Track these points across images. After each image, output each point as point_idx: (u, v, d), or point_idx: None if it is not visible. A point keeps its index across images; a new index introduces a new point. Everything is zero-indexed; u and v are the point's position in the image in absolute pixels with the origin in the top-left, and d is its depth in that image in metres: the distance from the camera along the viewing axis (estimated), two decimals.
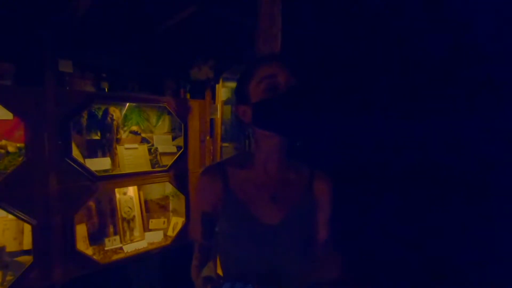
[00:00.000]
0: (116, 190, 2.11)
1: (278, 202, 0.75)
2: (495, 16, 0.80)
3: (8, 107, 1.49)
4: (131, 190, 2.21)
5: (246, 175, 0.78)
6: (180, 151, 2.21)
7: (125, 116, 2.23)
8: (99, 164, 1.95)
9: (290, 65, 0.71)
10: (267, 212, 0.73)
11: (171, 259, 2.13)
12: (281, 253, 0.72)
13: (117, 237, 2.07)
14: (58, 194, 1.62)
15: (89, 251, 1.90)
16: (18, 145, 1.72)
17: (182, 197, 2.25)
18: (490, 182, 0.84)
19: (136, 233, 2.16)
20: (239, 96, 0.77)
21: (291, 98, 0.67)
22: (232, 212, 0.76)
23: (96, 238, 2.02)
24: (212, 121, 2.33)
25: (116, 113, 2.09)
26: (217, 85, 2.29)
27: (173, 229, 2.28)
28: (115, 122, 2.07)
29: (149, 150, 2.27)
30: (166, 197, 2.46)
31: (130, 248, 2.04)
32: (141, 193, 2.28)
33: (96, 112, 2.06)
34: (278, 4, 0.91)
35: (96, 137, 2.06)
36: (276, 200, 0.75)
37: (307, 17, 0.99)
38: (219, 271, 0.81)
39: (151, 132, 2.39)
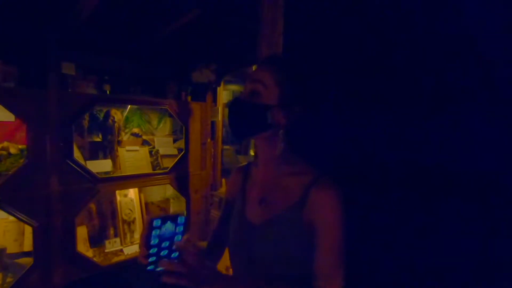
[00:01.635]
0: (117, 192, 2.11)
1: (264, 205, 0.75)
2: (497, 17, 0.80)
3: (10, 109, 1.50)
4: (132, 192, 2.21)
5: (255, 175, 0.83)
6: (181, 154, 2.22)
7: (127, 118, 2.24)
8: (100, 166, 1.95)
9: (265, 71, 0.71)
10: (253, 212, 0.77)
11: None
12: (258, 254, 0.73)
13: (118, 239, 2.07)
14: (59, 196, 1.63)
15: (89, 253, 1.90)
16: (20, 146, 1.73)
17: (183, 199, 2.26)
18: (489, 183, 0.84)
19: (137, 235, 2.16)
20: None
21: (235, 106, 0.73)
22: (236, 204, 0.84)
23: (96, 240, 2.02)
24: (213, 123, 2.33)
25: (118, 115, 2.10)
26: (218, 88, 2.29)
27: None
28: (116, 124, 2.08)
29: (150, 152, 2.27)
30: (167, 200, 2.46)
31: (130, 250, 2.04)
32: (142, 195, 2.28)
33: (97, 114, 2.07)
34: (280, 10, 0.92)
35: (98, 139, 2.07)
36: (262, 203, 0.75)
37: (308, 22, 1.00)
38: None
39: (153, 134, 2.39)
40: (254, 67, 0.78)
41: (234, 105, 0.73)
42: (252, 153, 2.25)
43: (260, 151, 0.78)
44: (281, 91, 0.69)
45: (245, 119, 0.71)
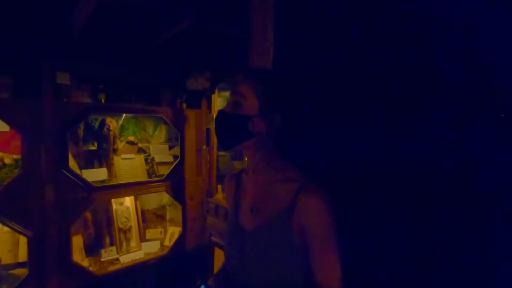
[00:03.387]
0: (113, 200, 2.11)
1: (256, 212, 0.77)
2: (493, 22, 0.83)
3: (5, 119, 1.50)
4: (128, 200, 2.21)
5: (246, 182, 0.86)
6: (177, 161, 2.23)
7: (122, 126, 2.25)
8: (95, 174, 1.95)
9: (248, 84, 0.74)
10: (245, 219, 0.79)
11: (168, 269, 2.12)
12: (249, 259, 0.75)
13: (114, 248, 2.05)
14: (54, 205, 1.62)
15: (85, 262, 1.89)
16: (14, 156, 1.73)
17: (179, 206, 2.26)
18: (484, 185, 0.85)
19: (133, 243, 2.15)
20: None
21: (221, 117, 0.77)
22: (230, 211, 0.87)
23: (92, 249, 2.01)
24: (208, 130, 2.35)
25: (113, 123, 2.11)
26: (213, 95, 2.32)
27: (170, 239, 2.28)
28: (111, 133, 2.09)
29: (146, 160, 2.28)
30: (163, 207, 2.46)
31: (126, 258, 2.03)
32: (138, 203, 2.28)
33: (93, 123, 2.08)
34: (270, 20, 0.95)
35: (93, 147, 2.07)
36: (253, 210, 0.77)
37: (298, 32, 1.03)
38: None
39: (148, 142, 2.40)
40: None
41: (219, 117, 0.78)
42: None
43: (249, 159, 0.82)
44: (260, 101, 0.73)
45: (229, 130, 0.77)
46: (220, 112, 0.78)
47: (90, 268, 1.84)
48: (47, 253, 1.60)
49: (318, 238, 0.70)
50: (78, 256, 1.86)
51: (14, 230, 1.53)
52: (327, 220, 0.69)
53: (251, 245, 0.75)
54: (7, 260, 1.69)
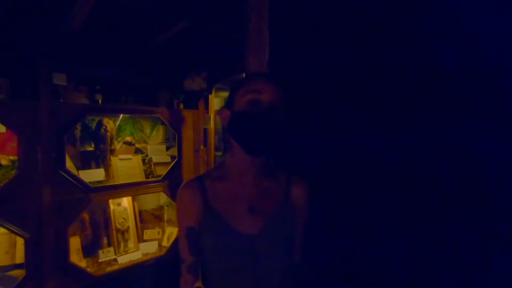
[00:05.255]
0: (110, 201, 2.10)
1: (256, 213, 0.75)
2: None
3: (2, 120, 1.50)
4: (125, 201, 2.20)
5: (224, 187, 0.79)
6: (174, 161, 2.23)
7: (119, 126, 2.24)
8: (93, 175, 1.95)
9: (278, 87, 0.75)
10: (246, 223, 0.74)
11: (166, 270, 2.11)
12: (263, 262, 0.73)
13: (111, 249, 2.05)
14: (51, 206, 1.62)
15: (82, 263, 1.88)
16: (11, 158, 1.72)
17: None
18: (484, 185, 0.86)
19: (131, 244, 2.15)
20: (227, 101, 0.81)
21: (264, 118, 0.71)
22: (211, 225, 0.76)
23: (89, 250, 2.00)
24: (205, 130, 2.35)
25: (110, 124, 2.10)
26: (210, 96, 2.32)
27: (168, 239, 2.28)
28: (109, 133, 2.08)
29: (143, 160, 2.28)
30: (160, 207, 2.46)
31: (124, 259, 2.03)
32: (136, 203, 2.28)
33: (89, 124, 2.07)
34: (265, 21, 0.96)
35: (90, 148, 2.07)
36: (253, 211, 0.75)
37: (293, 33, 1.04)
38: None
39: (145, 142, 2.40)
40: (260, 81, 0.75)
41: (270, 116, 0.71)
42: None
43: (248, 160, 0.77)
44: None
45: (274, 133, 0.72)
46: (270, 112, 0.71)
47: (88, 269, 1.84)
48: (45, 255, 1.60)
49: (304, 220, 0.82)
50: (76, 257, 1.86)
51: (11, 231, 1.52)
52: (310, 205, 0.83)
53: (266, 247, 0.73)
54: (4, 261, 1.68)
